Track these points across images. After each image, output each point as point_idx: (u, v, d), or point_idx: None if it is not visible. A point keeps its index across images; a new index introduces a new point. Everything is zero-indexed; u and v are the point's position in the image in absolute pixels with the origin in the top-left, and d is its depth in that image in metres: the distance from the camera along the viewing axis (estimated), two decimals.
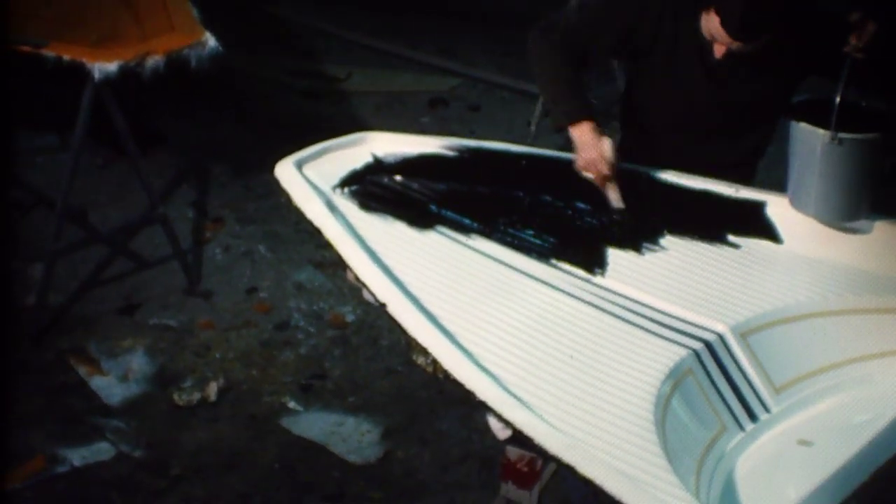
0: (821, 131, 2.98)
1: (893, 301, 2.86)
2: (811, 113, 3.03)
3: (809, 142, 3.01)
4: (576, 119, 3.07)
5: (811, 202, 3.07)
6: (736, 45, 3.01)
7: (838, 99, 2.98)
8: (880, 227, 3.08)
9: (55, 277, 4.39)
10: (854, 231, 3.08)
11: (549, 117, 3.13)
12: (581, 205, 3.08)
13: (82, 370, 4.18)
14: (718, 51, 3.10)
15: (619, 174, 3.07)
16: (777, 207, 3.12)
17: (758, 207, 3.12)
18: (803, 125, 3.02)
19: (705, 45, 3.12)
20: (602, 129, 3.07)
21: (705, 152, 3.26)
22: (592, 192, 3.08)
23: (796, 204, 3.10)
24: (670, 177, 3.19)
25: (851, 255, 3.02)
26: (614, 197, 3.06)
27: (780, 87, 3.19)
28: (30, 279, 4.40)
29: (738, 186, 3.16)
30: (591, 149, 3.04)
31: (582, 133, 3.06)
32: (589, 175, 3.06)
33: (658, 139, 3.33)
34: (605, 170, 3.04)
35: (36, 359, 4.20)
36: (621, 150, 3.46)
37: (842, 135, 2.96)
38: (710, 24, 3.02)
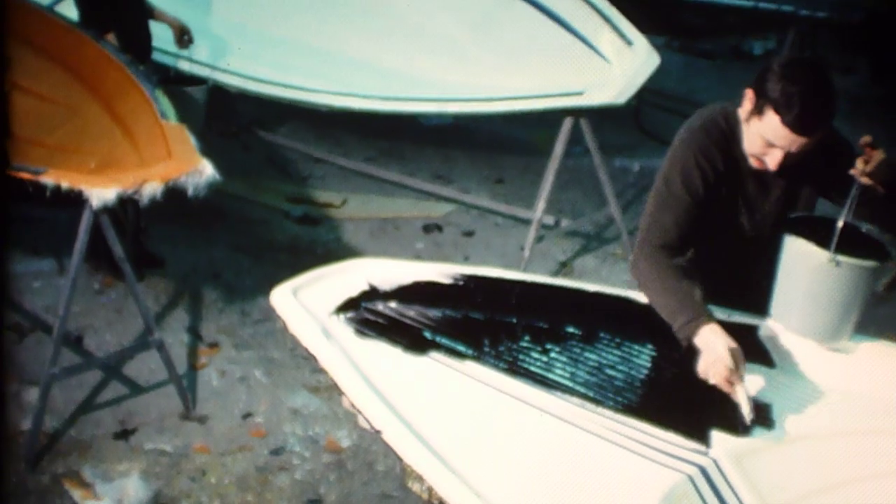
0: (820, 251, 2.96)
1: (885, 422, 2.87)
2: (804, 230, 3.01)
3: (803, 260, 3.00)
4: (694, 328, 2.98)
5: (795, 318, 3.08)
6: (798, 142, 2.98)
7: (841, 222, 2.97)
8: (870, 349, 3.11)
9: (51, 401, 4.39)
10: (844, 353, 3.10)
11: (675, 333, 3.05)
12: (574, 330, 3.09)
13: (77, 494, 4.16)
14: (773, 161, 3.04)
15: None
16: (768, 332, 3.14)
17: (750, 331, 3.14)
18: (801, 242, 3.00)
19: (745, 170, 3.15)
20: (721, 328, 2.95)
21: (734, 277, 3.26)
22: (585, 319, 3.11)
23: (779, 318, 3.12)
24: None
25: (843, 377, 3.03)
26: (743, 406, 2.87)
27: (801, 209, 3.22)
28: (25, 403, 4.40)
29: (730, 311, 3.19)
30: (708, 353, 2.93)
31: (700, 339, 2.96)
32: (712, 381, 2.91)
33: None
34: (724, 372, 2.89)
35: (31, 483, 4.18)
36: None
37: (840, 258, 2.95)
38: (766, 129, 3.00)
